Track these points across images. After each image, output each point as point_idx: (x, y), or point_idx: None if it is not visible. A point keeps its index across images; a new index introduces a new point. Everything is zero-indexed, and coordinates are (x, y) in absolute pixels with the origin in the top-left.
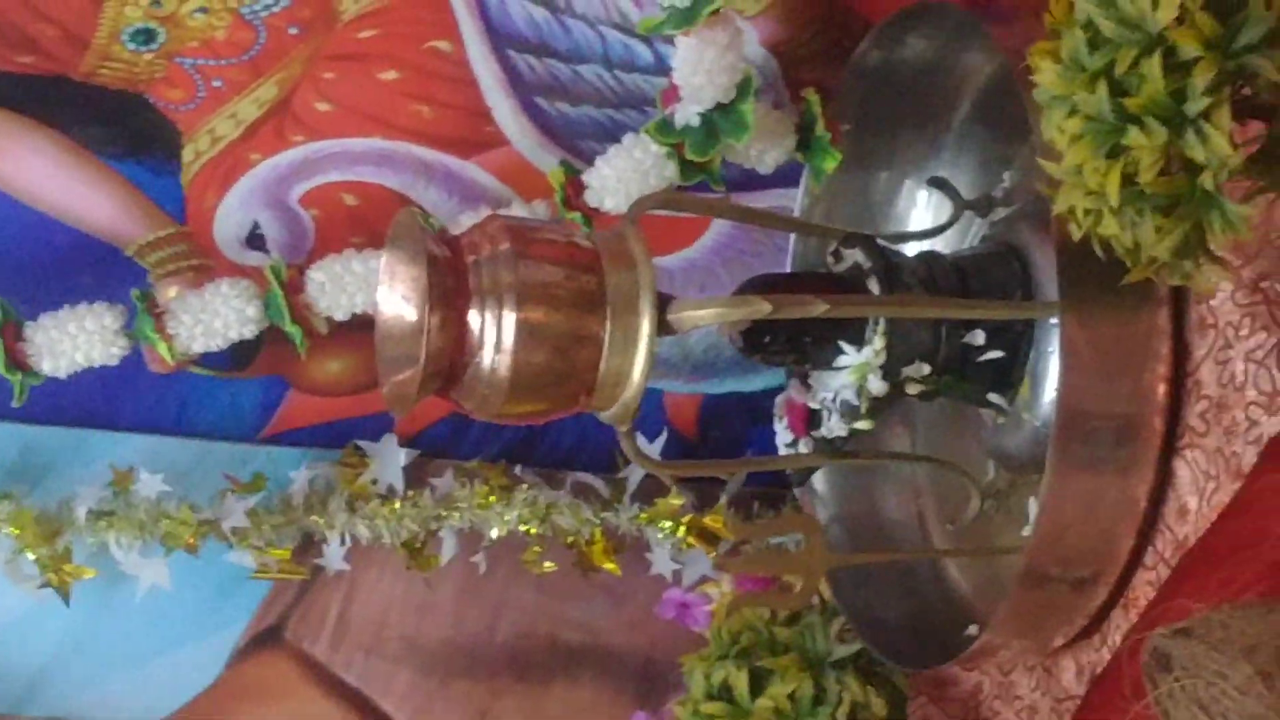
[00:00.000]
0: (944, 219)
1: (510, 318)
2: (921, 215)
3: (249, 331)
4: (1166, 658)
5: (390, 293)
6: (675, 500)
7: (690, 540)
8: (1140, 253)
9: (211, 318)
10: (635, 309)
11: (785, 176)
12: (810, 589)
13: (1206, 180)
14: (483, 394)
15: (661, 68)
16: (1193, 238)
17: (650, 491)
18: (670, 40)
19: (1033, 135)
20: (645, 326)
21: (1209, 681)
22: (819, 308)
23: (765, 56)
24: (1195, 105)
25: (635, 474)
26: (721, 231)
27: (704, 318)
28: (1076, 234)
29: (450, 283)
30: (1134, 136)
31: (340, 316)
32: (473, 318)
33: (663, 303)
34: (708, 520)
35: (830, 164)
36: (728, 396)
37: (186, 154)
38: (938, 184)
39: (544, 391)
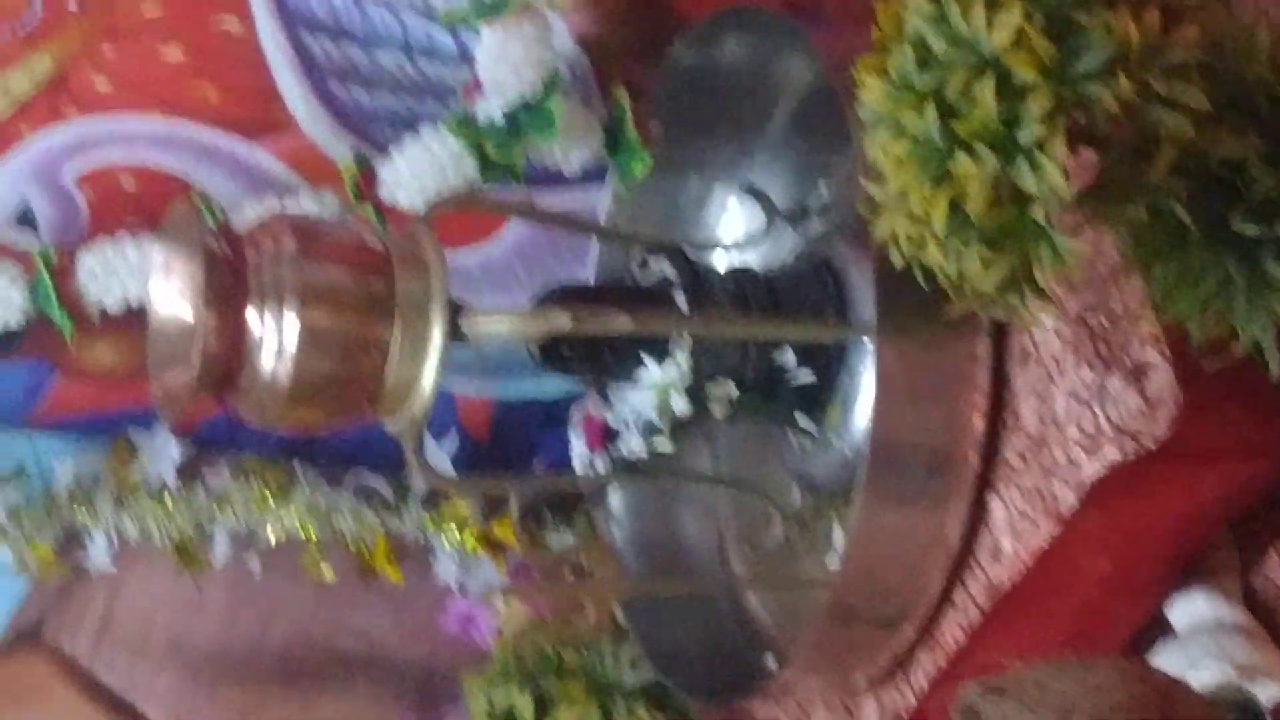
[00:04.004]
0: (756, 228)
1: (292, 321)
2: (733, 223)
3: (14, 320)
4: (977, 716)
5: (164, 288)
6: (462, 506)
7: (478, 549)
8: (964, 284)
9: None
10: (426, 316)
11: (591, 173)
12: (603, 618)
13: (1037, 213)
14: (260, 400)
15: (465, 57)
16: (1020, 271)
17: (437, 495)
18: (474, 29)
19: (854, 148)
20: (436, 335)
21: None
22: (622, 323)
23: (576, 51)
24: (1028, 134)
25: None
26: (523, 228)
27: (499, 330)
28: (898, 260)
29: (229, 282)
30: (963, 164)
31: (112, 305)
32: (252, 319)
33: (456, 311)
34: (496, 529)
35: (639, 168)
36: (521, 400)
37: None
38: (751, 191)
39: (326, 399)
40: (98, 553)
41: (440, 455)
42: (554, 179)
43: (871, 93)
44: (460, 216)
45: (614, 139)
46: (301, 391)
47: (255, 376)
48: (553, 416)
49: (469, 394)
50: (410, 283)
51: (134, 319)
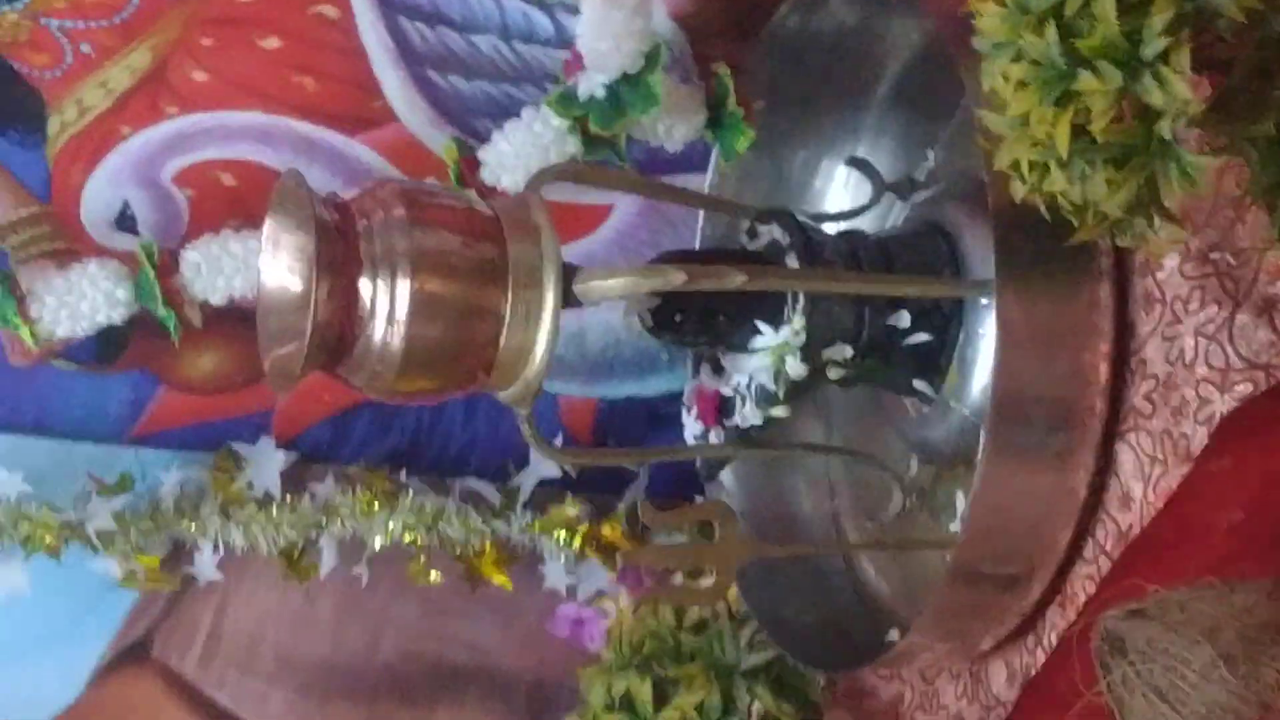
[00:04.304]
0: (863, 201)
1: (404, 287)
2: (839, 197)
3: (118, 315)
4: (1120, 641)
5: (273, 261)
6: (570, 509)
7: (586, 551)
8: (1088, 210)
9: (78, 300)
10: (538, 280)
11: (692, 160)
12: (725, 582)
13: (1164, 128)
14: (373, 369)
15: (563, 40)
16: (1146, 192)
17: (544, 501)
18: (572, 10)
19: (963, 107)
20: (549, 299)
21: (1167, 666)
22: (737, 279)
23: (673, 30)
24: (1152, 47)
25: (528, 480)
26: (623, 219)
27: (613, 288)
28: (1020, 192)
29: (339, 249)
30: (1085, 81)
31: (216, 300)
32: (363, 287)
33: (568, 274)
34: (605, 530)
35: (742, 142)
36: (625, 401)
37: (52, 125)
38: (857, 164)
39: (439, 367)
40: (204, 564)
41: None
42: (655, 165)
43: (988, 20)
44: (563, 214)
45: (716, 115)
46: (414, 360)
47: (368, 346)
48: (657, 415)
49: (573, 394)
50: (521, 247)
51: (235, 324)
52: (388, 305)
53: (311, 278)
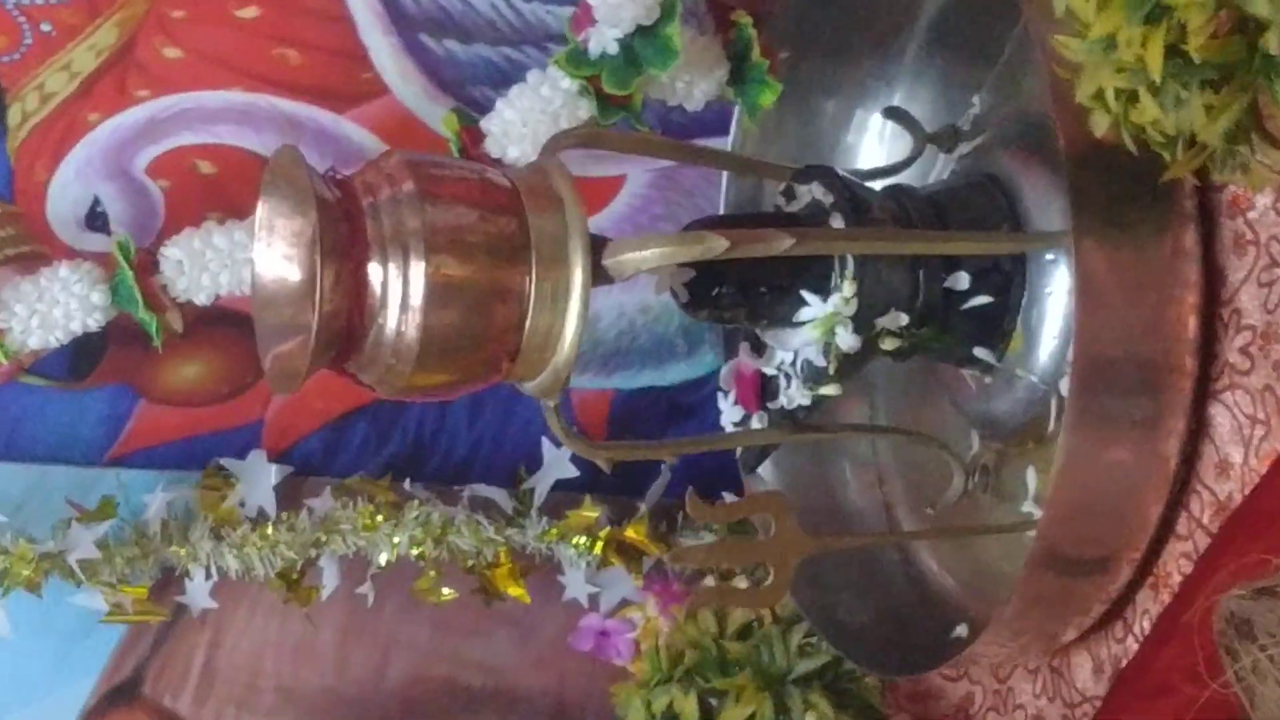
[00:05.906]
0: (901, 156)
1: (418, 270)
2: (874, 152)
3: (94, 322)
4: (1247, 624)
5: (269, 249)
6: (589, 512)
7: (609, 558)
8: (1182, 141)
9: (50, 307)
10: (564, 255)
11: (709, 122)
12: (783, 581)
13: (1270, 41)
14: (387, 363)
15: None
16: (1248, 118)
17: (560, 505)
18: None
19: (1008, 45)
20: (578, 276)
21: None
22: (784, 243)
23: None
24: None
25: (542, 483)
26: (635, 192)
27: (648, 259)
28: (1103, 126)
29: (343, 231)
30: None
31: (202, 300)
32: (372, 272)
33: (596, 247)
34: (628, 533)
35: (768, 97)
36: (642, 392)
37: (12, 116)
38: (895, 115)
39: (460, 357)
40: (197, 591)
41: (562, 456)
42: (670, 127)
43: None
44: None
45: (738, 69)
46: (432, 350)
47: (380, 337)
48: (677, 406)
49: (585, 387)
50: (544, 219)
51: (219, 328)
52: (400, 291)
53: (315, 264)
